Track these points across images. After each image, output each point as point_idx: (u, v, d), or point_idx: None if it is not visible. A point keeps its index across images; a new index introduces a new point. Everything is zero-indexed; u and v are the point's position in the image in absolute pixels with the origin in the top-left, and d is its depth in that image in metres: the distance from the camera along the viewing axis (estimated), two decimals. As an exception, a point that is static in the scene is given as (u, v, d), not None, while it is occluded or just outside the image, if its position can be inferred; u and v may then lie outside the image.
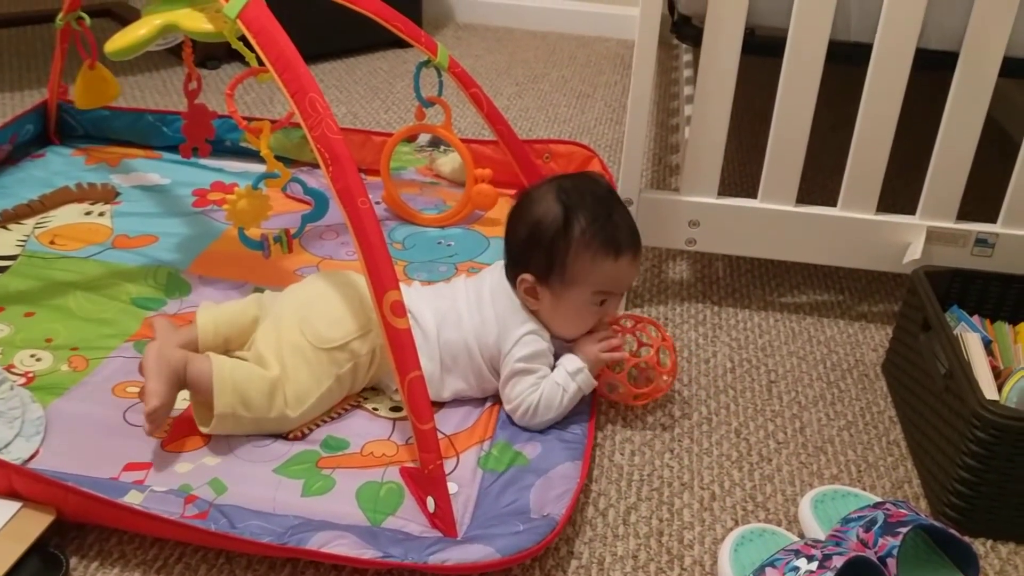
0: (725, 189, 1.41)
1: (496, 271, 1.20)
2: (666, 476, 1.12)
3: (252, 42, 1.12)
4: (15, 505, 0.94)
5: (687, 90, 1.85)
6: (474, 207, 1.60)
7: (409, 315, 1.01)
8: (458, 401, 1.17)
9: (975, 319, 1.23)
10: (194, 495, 0.98)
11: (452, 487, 1.03)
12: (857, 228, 1.38)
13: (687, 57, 2.07)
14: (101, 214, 1.57)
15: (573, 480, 1.04)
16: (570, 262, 1.12)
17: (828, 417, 1.24)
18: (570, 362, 1.14)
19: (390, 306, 0.99)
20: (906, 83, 1.29)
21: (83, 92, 1.54)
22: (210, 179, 1.70)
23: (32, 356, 1.21)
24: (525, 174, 1.64)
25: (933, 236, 1.36)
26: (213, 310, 1.18)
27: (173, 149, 1.75)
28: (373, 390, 1.19)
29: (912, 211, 1.37)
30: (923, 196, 1.36)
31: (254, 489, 1.01)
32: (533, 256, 1.14)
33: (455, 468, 1.07)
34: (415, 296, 1.18)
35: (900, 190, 1.50)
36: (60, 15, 1.52)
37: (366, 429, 1.13)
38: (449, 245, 1.55)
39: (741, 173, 1.92)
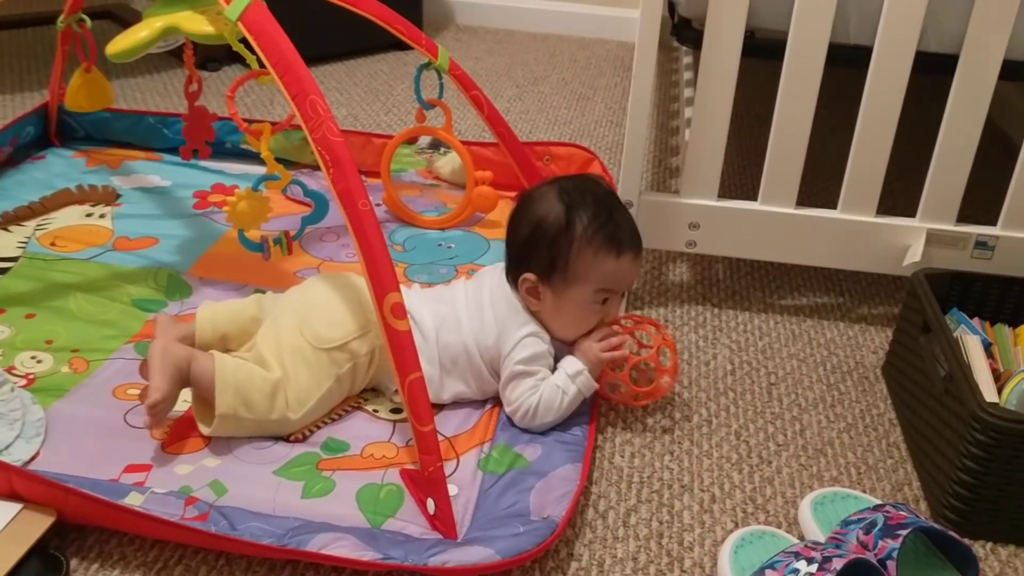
0: (725, 191, 1.41)
1: (495, 274, 1.21)
2: (666, 478, 1.12)
3: (253, 44, 1.12)
4: (16, 507, 0.94)
5: (687, 92, 1.85)
6: (474, 209, 1.60)
7: (409, 317, 1.01)
8: (458, 403, 1.17)
9: (975, 321, 1.23)
10: (194, 497, 0.98)
11: (452, 489, 1.03)
12: (857, 231, 1.38)
13: (687, 59, 2.07)
14: (102, 216, 1.57)
15: (573, 482, 1.04)
16: (572, 260, 1.12)
17: (828, 419, 1.24)
18: (570, 364, 1.14)
19: (390, 308, 0.99)
20: (906, 86, 1.29)
21: (76, 95, 1.54)
22: (210, 181, 1.70)
23: (33, 358, 1.21)
24: (525, 176, 1.65)
25: (933, 239, 1.36)
26: (213, 307, 1.20)
27: (174, 151, 1.75)
28: (373, 392, 1.19)
29: (912, 214, 1.37)
30: (923, 199, 1.36)
31: (254, 491, 1.01)
32: (535, 255, 1.14)
33: (455, 470, 1.07)
34: (415, 299, 1.18)
35: (900, 193, 1.50)
36: (61, 17, 1.52)
37: (366, 431, 1.13)
38: (449, 247, 1.55)
39: (741, 175, 1.92)
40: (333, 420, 1.14)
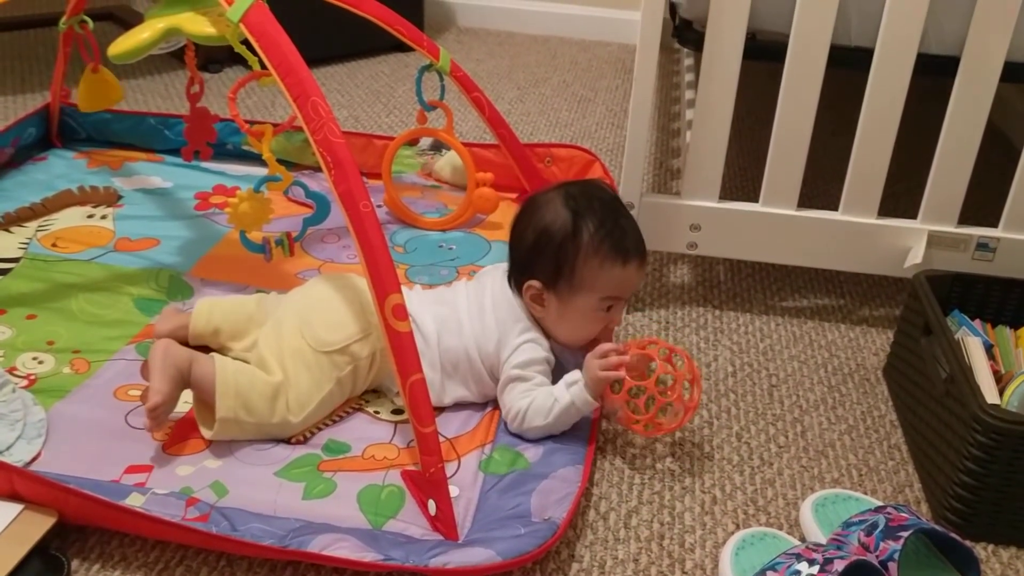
0: (726, 193, 1.41)
1: (498, 276, 1.20)
2: (667, 479, 1.12)
3: (255, 46, 1.12)
4: (17, 507, 0.94)
5: (688, 94, 1.85)
6: (475, 211, 1.61)
7: (410, 320, 1.01)
8: (459, 405, 1.17)
9: (976, 323, 1.23)
10: (195, 498, 0.98)
11: (453, 490, 1.03)
12: (858, 232, 1.38)
13: (688, 61, 2.07)
14: (103, 217, 1.57)
15: (574, 483, 1.04)
16: (579, 267, 1.12)
17: (829, 421, 1.24)
18: (570, 375, 1.12)
19: (392, 309, 0.99)
20: (907, 88, 1.29)
21: (86, 95, 1.55)
22: (212, 182, 1.71)
23: (34, 359, 1.21)
24: (526, 178, 1.65)
25: (934, 240, 1.36)
26: (212, 300, 1.23)
27: (175, 152, 1.75)
28: (375, 393, 1.19)
29: (913, 215, 1.37)
30: (924, 200, 1.36)
31: (255, 492, 1.01)
32: (540, 262, 1.13)
33: (456, 471, 1.07)
34: (416, 301, 1.18)
35: (901, 194, 1.50)
36: (63, 19, 1.52)
37: (367, 432, 1.13)
38: (450, 249, 1.55)
39: (742, 177, 1.92)
40: (334, 422, 1.14)
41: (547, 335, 1.17)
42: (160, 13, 1.27)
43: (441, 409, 1.16)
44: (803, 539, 1.03)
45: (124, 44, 1.26)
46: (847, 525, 0.98)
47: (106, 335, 1.26)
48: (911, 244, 1.37)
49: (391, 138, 1.68)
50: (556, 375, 1.15)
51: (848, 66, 1.30)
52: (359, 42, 2.46)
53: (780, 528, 1.06)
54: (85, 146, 1.81)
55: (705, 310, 1.47)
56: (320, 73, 2.38)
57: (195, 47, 1.56)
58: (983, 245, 1.36)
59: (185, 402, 1.10)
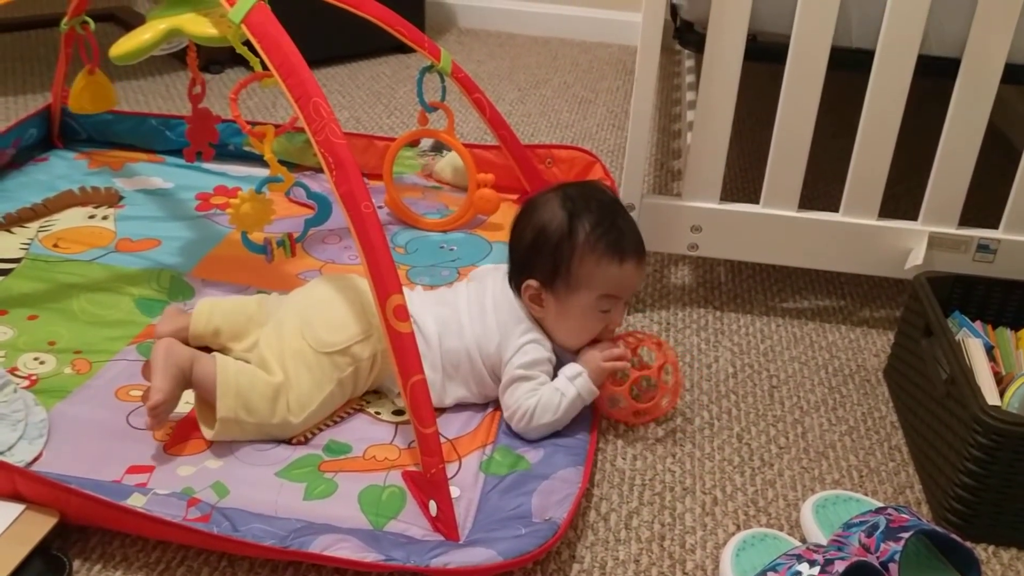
0: (727, 194, 1.41)
1: (498, 277, 1.21)
2: (668, 481, 1.12)
3: (256, 47, 1.12)
4: (18, 507, 0.94)
5: (689, 96, 1.86)
6: (476, 212, 1.61)
7: (412, 321, 1.01)
8: (460, 406, 1.17)
9: (977, 325, 1.23)
10: (196, 498, 0.98)
11: (454, 491, 1.03)
12: (859, 234, 1.38)
13: (689, 63, 2.08)
14: (104, 218, 1.57)
15: (575, 484, 1.04)
16: (575, 266, 1.12)
17: (830, 422, 1.24)
18: (569, 368, 1.14)
19: (393, 310, 0.99)
20: (908, 89, 1.29)
21: (80, 97, 1.55)
22: (213, 183, 1.71)
23: (35, 359, 1.21)
24: (527, 179, 1.65)
25: (935, 242, 1.36)
26: (214, 300, 1.24)
27: (176, 153, 1.75)
28: (375, 394, 1.19)
29: (914, 217, 1.38)
30: (925, 202, 1.36)
31: (256, 492, 1.01)
32: (538, 261, 1.14)
33: (457, 472, 1.07)
34: (417, 302, 1.18)
35: (902, 196, 1.50)
36: (64, 19, 1.53)
37: (368, 433, 1.13)
38: (452, 249, 1.55)
39: (743, 179, 1.92)
40: (335, 422, 1.14)
41: (548, 337, 1.17)
42: (162, 14, 1.27)
43: (442, 410, 1.16)
44: (804, 540, 1.03)
45: (126, 45, 1.27)
46: (848, 526, 0.98)
47: (107, 335, 1.26)
48: (912, 245, 1.37)
49: (392, 139, 1.68)
50: (556, 375, 1.15)
51: (849, 67, 1.30)
52: (360, 43, 2.46)
53: (781, 529, 1.06)
54: (86, 147, 1.81)
55: (706, 311, 1.47)
56: (321, 74, 2.38)
57: (197, 48, 1.56)
58: (984, 246, 1.36)
59: (186, 402, 1.10)
